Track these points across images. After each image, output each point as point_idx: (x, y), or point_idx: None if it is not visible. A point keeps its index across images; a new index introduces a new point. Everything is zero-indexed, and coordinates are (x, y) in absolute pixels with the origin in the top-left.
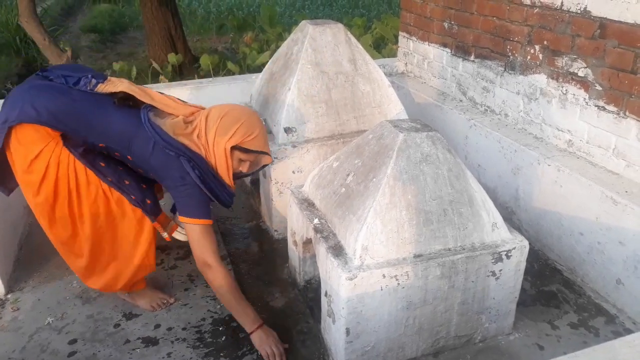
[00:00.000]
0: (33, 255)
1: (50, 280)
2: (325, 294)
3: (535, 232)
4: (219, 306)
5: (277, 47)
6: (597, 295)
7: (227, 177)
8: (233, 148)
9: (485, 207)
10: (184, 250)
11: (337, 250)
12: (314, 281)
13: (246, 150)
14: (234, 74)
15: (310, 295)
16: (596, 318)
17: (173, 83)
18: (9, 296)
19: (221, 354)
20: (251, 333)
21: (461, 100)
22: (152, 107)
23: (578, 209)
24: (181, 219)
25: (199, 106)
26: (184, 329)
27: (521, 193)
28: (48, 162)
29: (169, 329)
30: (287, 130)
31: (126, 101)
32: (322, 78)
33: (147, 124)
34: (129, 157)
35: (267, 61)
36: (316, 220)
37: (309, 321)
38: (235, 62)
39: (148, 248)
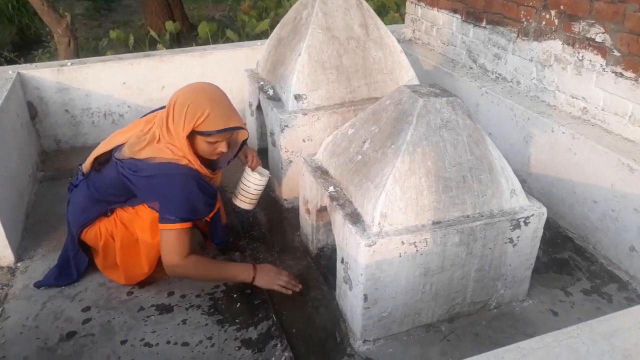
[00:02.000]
0: (41, 224)
1: (59, 248)
2: (342, 261)
3: (547, 200)
4: None
5: (277, 14)
6: (609, 262)
7: (200, 167)
8: (192, 135)
9: (504, 173)
10: None
11: (355, 218)
12: (326, 249)
13: (208, 133)
14: (233, 42)
15: (323, 263)
16: (609, 285)
17: (177, 50)
18: (19, 264)
19: (236, 320)
20: (253, 281)
21: (471, 68)
22: (121, 146)
23: (592, 177)
24: (160, 225)
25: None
26: (197, 296)
27: (533, 161)
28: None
29: (183, 296)
30: (297, 97)
31: (101, 164)
32: (333, 43)
33: (117, 164)
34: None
35: (267, 29)
36: (331, 188)
37: (323, 288)
38: (234, 30)
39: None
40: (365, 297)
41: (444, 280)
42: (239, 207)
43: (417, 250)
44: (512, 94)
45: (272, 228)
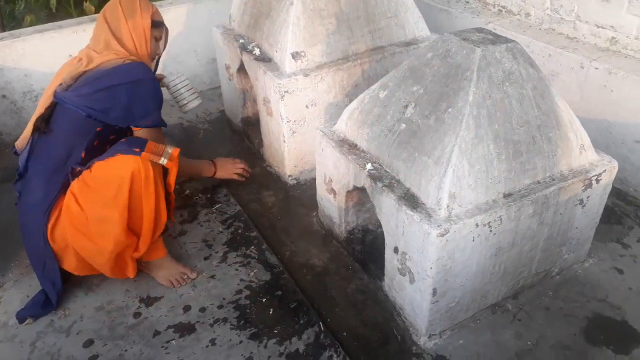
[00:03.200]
0: (3, 240)
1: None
2: (395, 251)
3: None
4: (252, 273)
5: None
6: None
7: (149, 61)
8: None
9: (572, 127)
10: (189, 211)
11: (412, 201)
12: (356, 231)
13: (158, 24)
14: None
15: (357, 248)
16: None
17: None
18: None
19: (275, 331)
20: (214, 175)
21: (467, 2)
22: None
23: (634, 115)
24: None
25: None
26: (220, 307)
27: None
28: None
29: (202, 309)
30: (295, 55)
31: (43, 122)
32: None
33: (62, 100)
34: (98, 129)
35: None
36: (369, 166)
37: (362, 277)
38: None
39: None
40: (435, 291)
41: (513, 257)
42: (191, 108)
43: (491, 230)
44: (523, 28)
45: (282, 212)
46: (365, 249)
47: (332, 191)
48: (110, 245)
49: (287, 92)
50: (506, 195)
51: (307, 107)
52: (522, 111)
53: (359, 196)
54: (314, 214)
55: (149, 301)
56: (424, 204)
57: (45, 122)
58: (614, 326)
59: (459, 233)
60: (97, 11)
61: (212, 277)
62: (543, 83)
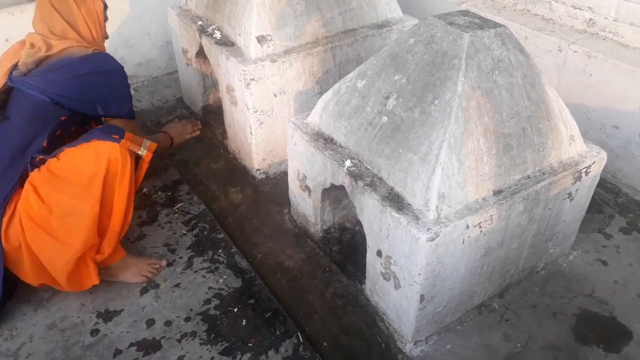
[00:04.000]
0: None
1: None
2: (379, 254)
3: None
4: (221, 279)
5: None
6: (634, 191)
7: (102, 40)
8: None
9: (562, 117)
10: (147, 211)
11: (397, 202)
12: (333, 230)
13: (105, 6)
14: None
15: (334, 248)
16: None
17: None
18: None
19: (249, 344)
20: (172, 144)
21: None
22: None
23: (614, 100)
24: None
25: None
26: (187, 319)
27: (548, 91)
28: None
29: (168, 323)
30: (261, 39)
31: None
32: None
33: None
34: (63, 118)
35: None
36: (348, 162)
37: (341, 280)
38: None
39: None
40: (422, 298)
41: (501, 256)
42: None
43: (481, 231)
44: (496, 9)
45: (251, 209)
46: (343, 249)
47: (307, 188)
48: (78, 243)
49: (253, 79)
50: (496, 193)
51: (275, 95)
52: (513, 102)
53: (335, 194)
54: (286, 211)
55: (107, 315)
56: (410, 204)
57: (0, 109)
58: (603, 322)
59: (449, 236)
60: None
61: (177, 285)
62: (533, 71)
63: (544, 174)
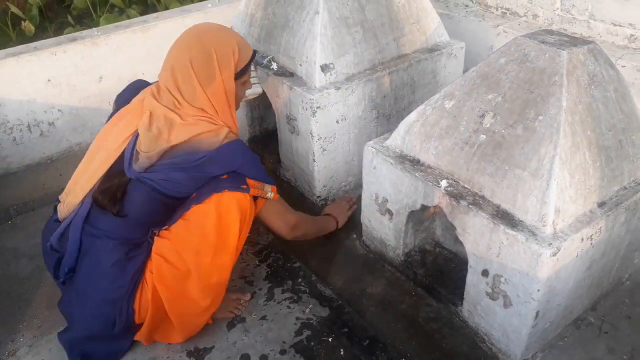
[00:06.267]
0: (3, 298)
1: (50, 329)
2: (485, 274)
3: None
4: (307, 309)
5: None
6: None
7: (233, 121)
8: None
9: None
10: None
11: (507, 219)
12: (414, 253)
13: (245, 69)
14: (119, 9)
15: (419, 272)
16: None
17: (109, 27)
18: None
19: None
20: (338, 227)
21: (467, 6)
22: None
23: None
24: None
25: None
26: (282, 352)
27: (637, 103)
28: None
29: (263, 357)
30: (325, 68)
31: (112, 204)
32: None
33: (140, 181)
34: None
35: None
36: (444, 182)
37: (430, 303)
38: None
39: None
40: (537, 314)
41: (600, 267)
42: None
43: (591, 244)
44: (532, 29)
45: (319, 237)
46: (429, 272)
47: (387, 212)
48: (219, 299)
49: (319, 107)
50: (600, 205)
51: (337, 122)
52: (608, 115)
53: (418, 216)
54: (354, 236)
55: (198, 354)
56: (522, 221)
57: (115, 202)
58: None
59: (567, 250)
60: (37, 30)
61: (264, 318)
62: (623, 84)
63: (638, 184)
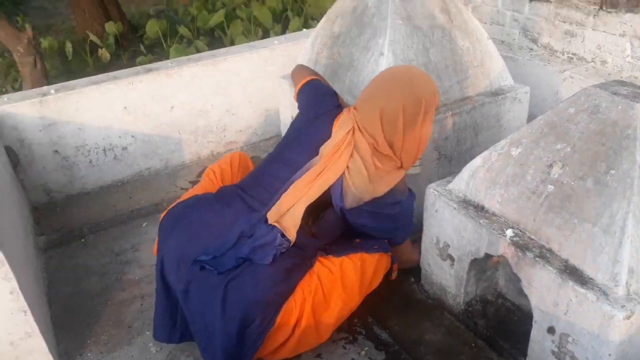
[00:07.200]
0: (72, 312)
1: (115, 346)
2: (551, 331)
3: None
4: (362, 351)
5: (224, 3)
6: None
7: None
8: None
9: None
10: None
11: (577, 276)
12: (475, 302)
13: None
14: (188, 40)
15: (480, 322)
16: None
17: (182, 60)
18: None
19: None
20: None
21: (532, 49)
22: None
23: None
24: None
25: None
26: None
27: None
28: None
29: None
30: None
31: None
32: (417, 35)
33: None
34: None
35: (221, 21)
36: (510, 232)
37: (491, 356)
38: (184, 25)
39: None
40: None
41: None
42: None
43: None
44: (601, 76)
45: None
46: (491, 323)
47: (449, 257)
48: (338, 324)
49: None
50: None
51: None
52: None
53: (481, 264)
54: (412, 280)
55: None
56: (592, 279)
57: (315, 222)
58: None
59: None
60: (112, 58)
61: (319, 356)
62: None
63: None
